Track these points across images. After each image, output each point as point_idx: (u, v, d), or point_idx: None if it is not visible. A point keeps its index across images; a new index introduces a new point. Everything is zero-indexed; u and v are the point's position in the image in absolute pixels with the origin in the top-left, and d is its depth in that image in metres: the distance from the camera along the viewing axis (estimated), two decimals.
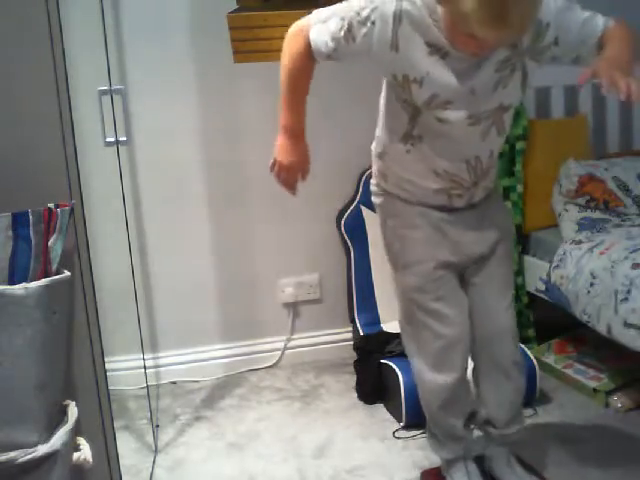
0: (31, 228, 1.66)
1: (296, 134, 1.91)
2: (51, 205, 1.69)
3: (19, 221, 1.66)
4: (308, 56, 1.83)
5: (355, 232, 3.09)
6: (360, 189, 3.08)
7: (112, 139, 2.41)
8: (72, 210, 1.73)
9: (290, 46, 1.84)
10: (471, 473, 2.18)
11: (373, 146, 2.06)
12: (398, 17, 1.71)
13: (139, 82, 2.86)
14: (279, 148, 1.92)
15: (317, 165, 3.32)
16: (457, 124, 1.82)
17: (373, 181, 2.09)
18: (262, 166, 3.05)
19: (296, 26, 1.84)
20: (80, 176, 1.85)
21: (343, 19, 1.75)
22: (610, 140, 3.31)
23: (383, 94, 1.95)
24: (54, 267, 1.69)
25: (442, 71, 1.75)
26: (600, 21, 1.79)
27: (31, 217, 1.67)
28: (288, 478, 2.40)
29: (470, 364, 2.17)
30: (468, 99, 1.79)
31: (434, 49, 1.73)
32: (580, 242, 2.74)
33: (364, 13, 1.73)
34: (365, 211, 3.07)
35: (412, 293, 2.05)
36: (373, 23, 1.72)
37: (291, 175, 1.93)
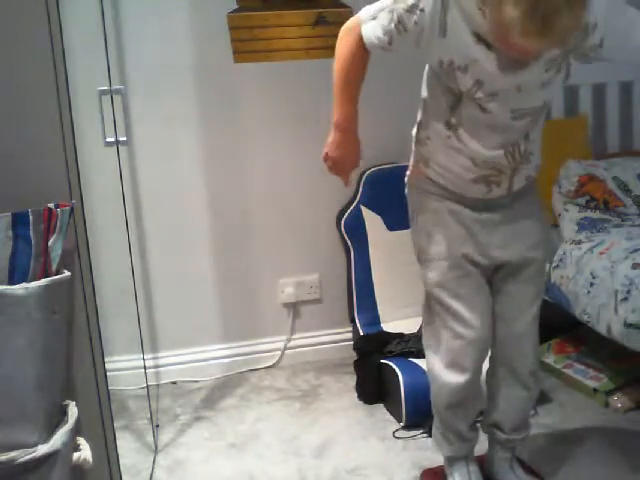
0: (31, 228, 1.66)
1: (347, 130, 1.95)
2: (51, 205, 1.69)
3: (19, 221, 1.66)
4: (361, 53, 1.87)
5: (355, 232, 3.09)
6: (360, 189, 3.08)
7: (112, 139, 2.41)
8: (72, 210, 1.73)
9: (342, 45, 1.89)
10: (472, 473, 2.17)
11: (414, 131, 2.03)
12: (446, 2, 1.71)
13: (139, 82, 2.86)
14: (331, 143, 1.97)
15: (317, 165, 3.32)
16: (500, 116, 1.82)
17: (408, 172, 2.07)
18: (262, 166, 3.09)
19: (347, 26, 1.89)
20: (80, 176, 1.85)
21: (392, 12, 1.78)
22: (610, 140, 3.31)
23: (425, 80, 1.94)
24: (54, 267, 1.69)
25: (487, 60, 1.74)
26: None
27: (31, 217, 1.66)
28: (288, 478, 2.40)
29: (485, 365, 2.17)
30: (514, 95, 1.79)
31: (480, 38, 1.72)
32: (580, 242, 2.74)
33: (411, 1, 1.74)
34: (365, 211, 3.07)
35: (433, 288, 2.04)
36: (422, 10, 1.73)
37: (340, 168, 2.00)
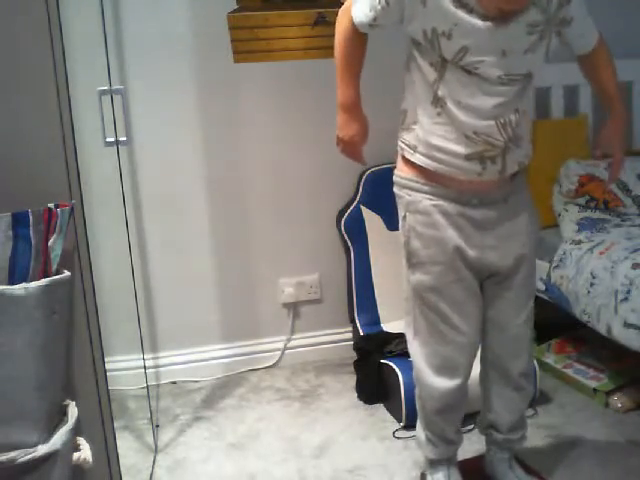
0: (31, 228, 1.66)
1: (351, 109, 2.01)
2: (51, 205, 1.69)
3: (19, 221, 1.66)
4: (355, 34, 1.93)
5: (355, 232, 3.09)
6: (360, 189, 3.08)
7: (112, 139, 2.40)
8: (72, 210, 1.73)
9: (339, 28, 1.96)
10: (452, 476, 2.16)
11: (400, 121, 2.00)
12: None
13: (139, 82, 2.86)
14: (339, 124, 2.04)
15: (317, 165, 3.32)
16: (487, 81, 1.82)
17: (396, 170, 2.04)
18: (262, 166, 3.09)
19: (343, 7, 1.95)
20: (80, 176, 1.84)
21: None
22: None
23: (407, 65, 1.94)
24: (54, 267, 1.69)
25: (470, 24, 1.76)
26: (594, 27, 1.98)
27: (31, 217, 1.66)
28: (288, 478, 2.41)
29: (477, 367, 2.16)
30: (499, 60, 1.80)
31: (460, 3, 1.75)
32: (580, 242, 2.74)
33: None
34: (365, 211, 3.07)
35: (425, 293, 2.00)
36: None
37: (352, 148, 2.07)
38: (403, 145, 1.99)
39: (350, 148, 2.06)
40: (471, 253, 1.96)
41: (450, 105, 1.85)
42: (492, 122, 1.86)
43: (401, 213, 2.03)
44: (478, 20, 1.75)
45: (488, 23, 1.75)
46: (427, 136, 1.91)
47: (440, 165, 1.92)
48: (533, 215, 2.08)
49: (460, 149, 1.88)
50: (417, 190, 1.97)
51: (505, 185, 1.97)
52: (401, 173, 2.02)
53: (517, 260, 2.01)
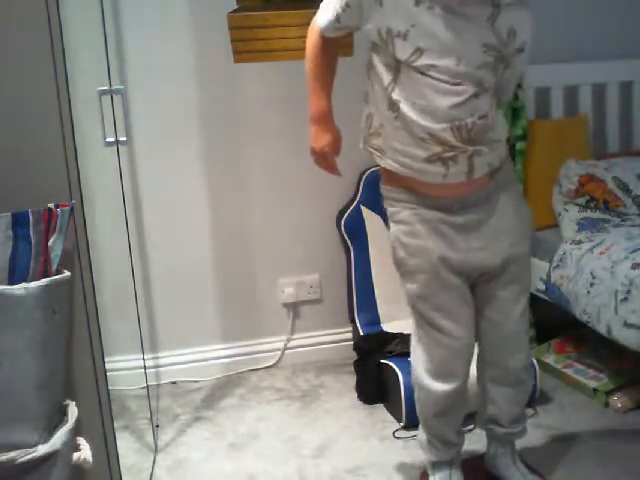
0: (31, 228, 1.67)
1: (322, 121, 2.03)
2: (51, 205, 1.69)
3: (19, 221, 1.66)
4: (323, 43, 1.97)
5: (355, 232, 3.09)
6: (360, 189, 3.08)
7: (112, 139, 2.40)
8: (72, 210, 1.73)
9: (308, 43, 2.00)
10: (454, 477, 2.16)
11: (367, 126, 2.00)
12: None
13: (139, 82, 2.86)
14: (311, 137, 2.06)
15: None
16: (441, 81, 1.81)
17: (381, 184, 2.05)
18: (262, 166, 3.09)
19: (310, 28, 2.00)
20: (80, 176, 1.85)
21: None
22: (610, 140, 3.31)
23: (367, 70, 1.95)
24: (54, 267, 1.69)
25: (428, 22, 1.77)
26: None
27: (31, 217, 1.67)
28: (288, 478, 2.41)
29: (473, 365, 2.16)
30: (454, 66, 1.80)
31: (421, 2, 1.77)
32: (580, 242, 2.74)
33: None
34: (365, 211, 3.07)
35: (415, 300, 2.02)
36: None
37: (325, 159, 2.07)
38: (372, 150, 1.99)
39: (322, 159, 2.07)
40: (456, 259, 1.95)
41: (404, 107, 1.85)
42: (446, 125, 1.84)
43: (389, 224, 2.05)
44: (437, 18, 1.76)
45: (447, 23, 1.76)
46: (390, 141, 1.92)
47: (405, 169, 1.93)
48: (523, 209, 2.07)
49: (419, 152, 1.88)
50: (397, 200, 1.98)
51: (485, 185, 1.96)
52: (385, 186, 2.03)
53: (506, 258, 2.00)
